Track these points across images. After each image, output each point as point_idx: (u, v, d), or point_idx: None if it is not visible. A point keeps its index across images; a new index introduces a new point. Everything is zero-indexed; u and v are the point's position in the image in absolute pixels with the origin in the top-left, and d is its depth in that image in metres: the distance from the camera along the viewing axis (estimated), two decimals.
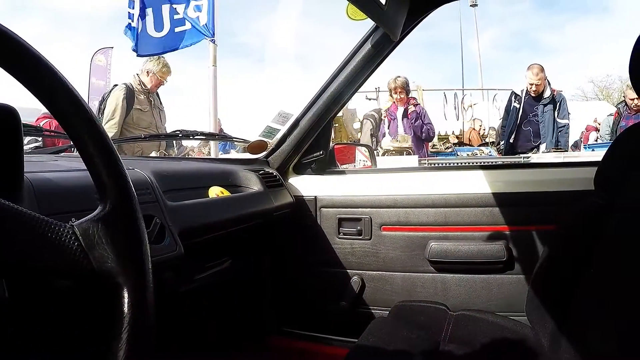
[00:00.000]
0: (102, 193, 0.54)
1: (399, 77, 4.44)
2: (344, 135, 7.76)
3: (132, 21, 4.64)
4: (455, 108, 10.45)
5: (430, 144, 6.67)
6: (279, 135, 1.79)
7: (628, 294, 0.80)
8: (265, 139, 1.82)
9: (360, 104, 8.49)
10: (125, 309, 0.52)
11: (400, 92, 4.37)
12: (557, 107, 4.45)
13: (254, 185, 1.55)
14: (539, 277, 1.22)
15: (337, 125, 8.12)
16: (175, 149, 4.55)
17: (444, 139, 8.90)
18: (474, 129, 9.21)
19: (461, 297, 1.58)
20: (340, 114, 8.18)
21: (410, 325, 1.34)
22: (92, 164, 0.53)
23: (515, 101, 4.55)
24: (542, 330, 1.13)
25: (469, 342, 1.24)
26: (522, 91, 4.52)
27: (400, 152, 3.87)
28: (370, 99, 8.49)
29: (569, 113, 4.56)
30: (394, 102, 4.49)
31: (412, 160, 3.69)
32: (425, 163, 3.79)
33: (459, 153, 6.26)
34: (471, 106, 9.83)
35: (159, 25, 4.58)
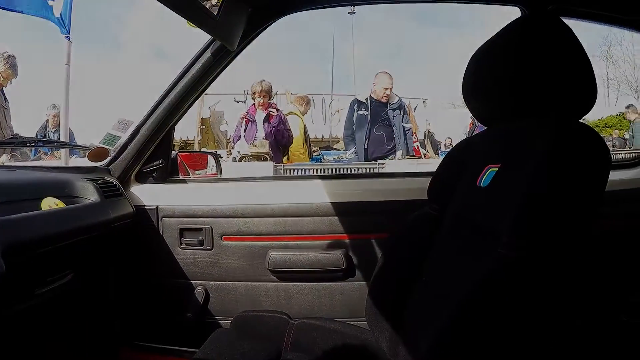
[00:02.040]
0: None
1: (264, 81, 4.41)
2: (210, 137, 7.64)
3: None
4: (322, 113, 10.76)
5: None
6: (120, 143, 1.71)
7: (454, 296, 0.84)
8: (106, 146, 1.72)
9: (228, 107, 8.39)
10: None
11: (264, 96, 4.36)
12: (403, 112, 4.72)
13: (90, 195, 1.48)
14: (375, 284, 1.26)
15: (204, 127, 7.98)
16: (34, 151, 4.12)
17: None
18: None
19: (305, 305, 1.62)
20: (207, 115, 8.07)
21: (251, 335, 1.36)
22: None
23: (360, 109, 4.69)
24: (381, 335, 1.16)
25: (311, 349, 1.27)
26: (366, 99, 4.68)
27: (257, 157, 3.86)
28: (238, 102, 8.42)
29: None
30: (254, 104, 4.47)
31: (268, 167, 3.69)
32: (281, 169, 3.82)
33: (324, 157, 6.39)
34: (338, 111, 10.14)
35: None
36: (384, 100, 4.61)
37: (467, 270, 0.85)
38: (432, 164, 4.81)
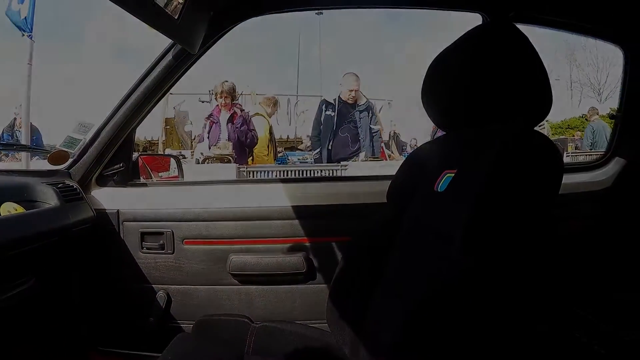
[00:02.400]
0: None
1: (227, 81, 4.38)
2: (175, 138, 7.55)
3: None
4: (287, 114, 10.74)
5: None
6: (80, 146, 1.68)
7: (413, 298, 0.86)
8: (66, 149, 1.69)
9: (192, 107, 8.31)
10: None
11: (225, 97, 4.32)
12: (371, 114, 4.70)
13: (50, 200, 1.46)
14: (336, 286, 1.27)
15: (168, 127, 7.88)
16: None
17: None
18: None
19: (266, 308, 1.63)
20: (172, 115, 7.97)
21: (213, 339, 1.35)
22: None
23: (327, 109, 4.65)
24: (342, 337, 1.16)
25: (273, 352, 1.28)
26: (335, 100, 4.65)
27: (220, 159, 3.82)
28: (203, 102, 8.34)
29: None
30: (217, 105, 4.43)
31: (231, 168, 3.66)
32: (244, 171, 3.79)
33: (290, 158, 6.38)
34: (303, 112, 10.16)
35: None
36: (350, 102, 4.59)
37: (425, 273, 0.87)
38: (394, 165, 4.83)
